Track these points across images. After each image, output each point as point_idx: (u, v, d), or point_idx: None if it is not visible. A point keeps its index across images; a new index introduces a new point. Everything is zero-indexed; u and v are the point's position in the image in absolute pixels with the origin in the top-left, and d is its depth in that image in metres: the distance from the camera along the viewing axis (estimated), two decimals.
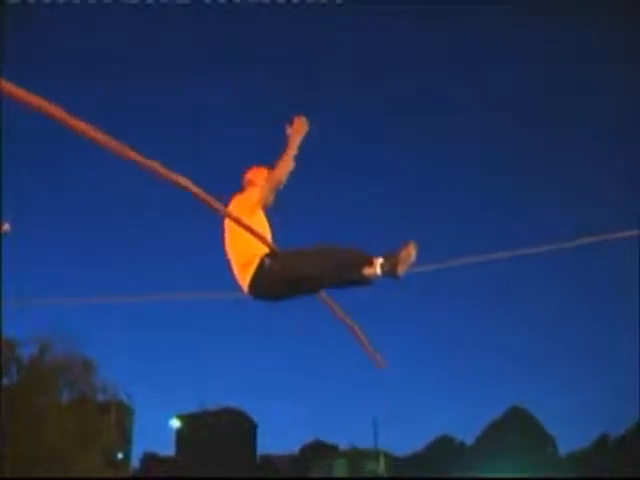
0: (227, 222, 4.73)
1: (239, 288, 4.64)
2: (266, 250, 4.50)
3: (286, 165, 4.53)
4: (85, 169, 67.09)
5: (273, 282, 4.45)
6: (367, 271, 4.41)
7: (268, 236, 4.71)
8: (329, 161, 67.81)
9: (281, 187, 4.71)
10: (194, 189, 3.78)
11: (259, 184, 4.77)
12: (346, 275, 4.49)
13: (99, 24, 48.69)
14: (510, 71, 62.72)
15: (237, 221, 4.41)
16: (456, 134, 64.02)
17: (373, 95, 66.75)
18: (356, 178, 69.74)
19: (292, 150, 4.53)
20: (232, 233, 4.69)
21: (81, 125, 3.09)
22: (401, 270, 4.37)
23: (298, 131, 4.55)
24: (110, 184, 70.36)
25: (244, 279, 4.55)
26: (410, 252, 4.39)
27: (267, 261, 4.44)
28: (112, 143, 3.22)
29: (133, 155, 3.37)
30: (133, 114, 71.16)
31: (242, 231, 4.60)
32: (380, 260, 4.38)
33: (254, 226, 4.57)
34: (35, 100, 2.81)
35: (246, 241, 4.53)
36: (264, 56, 64.15)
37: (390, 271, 4.38)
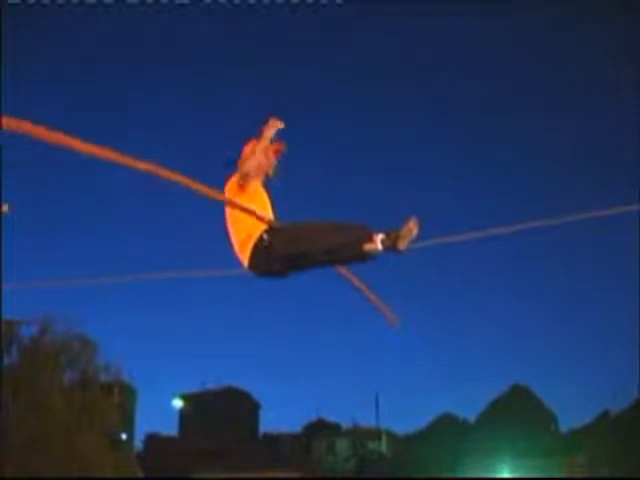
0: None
1: (240, 264, 4.63)
2: (266, 225, 4.48)
3: (251, 160, 4.56)
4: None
5: (273, 258, 4.42)
6: (368, 246, 4.38)
7: (267, 210, 4.69)
8: (330, 144, 67.64)
9: (270, 171, 4.81)
10: (196, 186, 3.79)
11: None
12: (346, 251, 4.46)
13: (100, 24, 48.14)
14: (510, 71, 62.28)
15: (235, 206, 4.43)
16: (457, 126, 63.73)
17: (373, 96, 66.43)
18: (357, 158, 69.45)
19: (260, 145, 4.57)
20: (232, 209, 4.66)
21: (79, 144, 3.14)
22: (402, 245, 4.35)
23: (270, 128, 4.56)
24: (108, 167, 69.85)
25: (244, 255, 4.53)
26: (411, 227, 4.37)
27: (266, 236, 4.42)
28: (106, 152, 3.28)
29: (127, 160, 3.40)
30: (133, 114, 70.79)
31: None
32: (381, 236, 4.35)
33: (252, 202, 4.58)
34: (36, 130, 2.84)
35: (246, 216, 4.51)
36: (263, 56, 63.72)
37: (391, 246, 4.36)
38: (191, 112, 69.55)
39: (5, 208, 8.31)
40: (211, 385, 47.26)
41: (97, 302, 49.77)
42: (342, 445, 44.78)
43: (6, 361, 21.28)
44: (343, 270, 4.96)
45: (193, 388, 47.57)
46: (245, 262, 4.53)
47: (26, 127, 2.83)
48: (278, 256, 4.41)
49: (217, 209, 4.79)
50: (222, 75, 67.90)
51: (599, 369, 66.69)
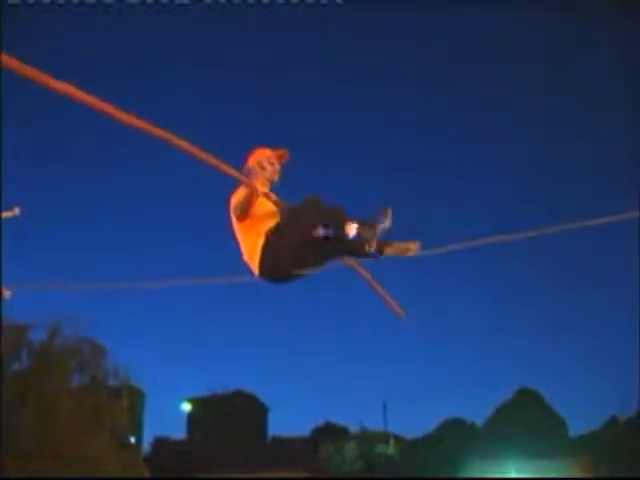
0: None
1: (249, 272, 4.71)
2: (270, 225, 4.57)
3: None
4: (92, 150, 66.75)
5: (280, 254, 4.50)
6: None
7: (273, 219, 4.76)
8: (330, 144, 67.75)
9: (275, 177, 4.94)
10: (204, 155, 3.76)
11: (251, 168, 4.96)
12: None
13: (100, 24, 48.23)
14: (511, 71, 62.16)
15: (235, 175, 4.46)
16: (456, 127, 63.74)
17: (373, 96, 66.43)
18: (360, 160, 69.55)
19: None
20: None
21: (89, 98, 3.07)
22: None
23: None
24: (118, 166, 70.36)
25: (254, 262, 4.61)
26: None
27: (272, 236, 4.52)
28: (120, 113, 3.16)
29: (141, 123, 3.27)
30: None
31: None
32: (355, 225, 4.38)
33: (257, 211, 4.69)
34: (41, 76, 2.75)
35: (253, 220, 4.63)
36: (263, 56, 63.78)
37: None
38: (190, 112, 69.63)
39: (10, 213, 8.37)
40: (219, 389, 47.31)
41: (106, 306, 49.96)
42: (350, 448, 44.67)
43: (16, 365, 21.41)
44: (350, 261, 5.04)
45: (201, 392, 47.63)
46: (255, 269, 4.62)
47: (29, 71, 2.68)
48: (285, 249, 4.49)
49: (225, 215, 4.89)
50: (222, 75, 68.02)
51: (607, 374, 66.45)
